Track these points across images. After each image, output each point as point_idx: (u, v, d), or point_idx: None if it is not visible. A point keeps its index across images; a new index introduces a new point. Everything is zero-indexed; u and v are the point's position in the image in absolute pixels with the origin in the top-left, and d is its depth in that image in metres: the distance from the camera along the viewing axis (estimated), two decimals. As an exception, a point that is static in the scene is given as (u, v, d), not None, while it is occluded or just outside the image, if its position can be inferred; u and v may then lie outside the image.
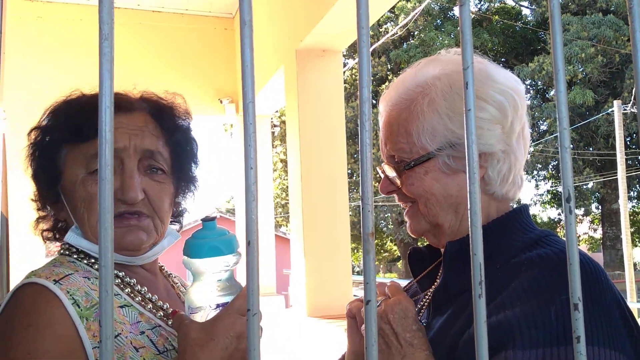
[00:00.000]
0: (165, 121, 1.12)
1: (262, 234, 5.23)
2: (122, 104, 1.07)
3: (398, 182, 1.01)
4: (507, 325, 0.82)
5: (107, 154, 0.43)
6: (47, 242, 1.12)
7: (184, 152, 1.15)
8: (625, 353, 0.80)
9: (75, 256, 1.05)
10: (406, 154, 0.98)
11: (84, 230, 1.03)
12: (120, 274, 1.06)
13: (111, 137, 0.43)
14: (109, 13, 0.45)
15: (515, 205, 1.04)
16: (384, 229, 27.44)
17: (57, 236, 1.11)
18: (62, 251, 1.08)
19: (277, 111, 6.25)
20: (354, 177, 23.87)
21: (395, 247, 31.26)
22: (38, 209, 1.11)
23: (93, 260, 1.04)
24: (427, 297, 1.07)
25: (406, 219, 1.05)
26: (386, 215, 25.96)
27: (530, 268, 0.87)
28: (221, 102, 5.37)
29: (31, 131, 1.10)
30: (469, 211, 0.52)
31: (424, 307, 1.06)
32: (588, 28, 21.62)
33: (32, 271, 0.99)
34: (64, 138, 1.05)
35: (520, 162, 1.00)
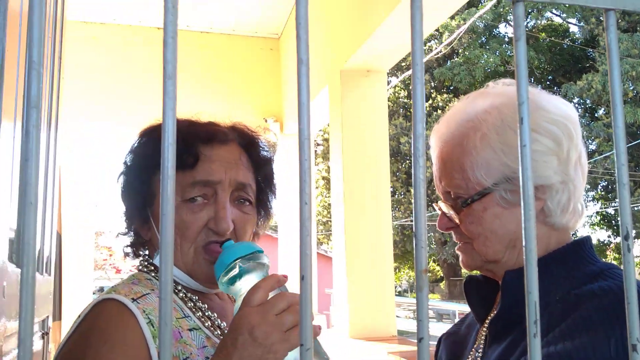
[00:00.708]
0: (255, 154, 1.16)
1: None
2: (218, 135, 1.11)
3: (457, 219, 1.00)
4: (566, 356, 0.80)
5: (169, 190, 0.44)
6: (127, 257, 1.15)
7: (268, 185, 1.19)
8: None
9: (153, 274, 1.08)
10: (462, 190, 0.98)
11: (174, 256, 1.06)
12: (194, 297, 1.08)
13: (173, 173, 0.45)
14: (172, 53, 0.46)
15: (575, 236, 1.02)
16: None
17: (137, 252, 1.15)
18: (141, 267, 1.12)
19: (320, 130, 6.28)
20: (396, 196, 23.69)
21: (438, 268, 30.79)
22: (126, 227, 1.15)
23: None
24: (485, 326, 1.05)
25: (459, 253, 1.03)
26: (429, 235, 25.64)
27: (590, 300, 0.85)
28: (266, 121, 5.44)
29: (127, 154, 1.14)
30: (524, 248, 0.51)
31: (482, 337, 1.04)
32: (639, 45, 21.04)
33: (113, 287, 1.03)
34: (159, 163, 1.08)
35: (580, 191, 0.98)
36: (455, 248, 1.05)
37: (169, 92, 0.46)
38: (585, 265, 0.94)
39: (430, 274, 33.26)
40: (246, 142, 1.15)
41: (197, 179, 1.06)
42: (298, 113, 0.48)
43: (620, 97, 0.55)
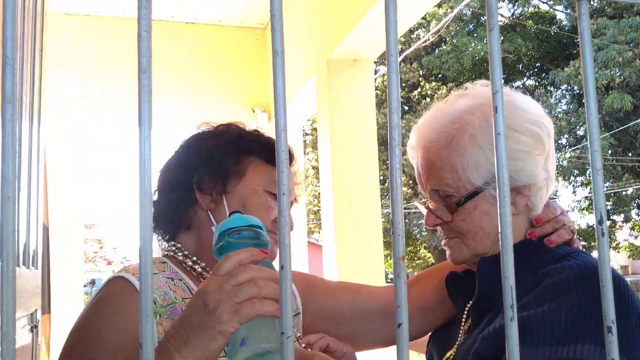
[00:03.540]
0: None
1: (295, 241, 5.25)
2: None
3: (449, 216, 1.03)
4: (521, 324, 0.85)
5: (146, 183, 0.45)
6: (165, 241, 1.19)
7: None
8: None
9: (181, 257, 1.13)
10: (452, 189, 1.01)
11: None
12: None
13: (150, 166, 0.45)
14: (147, 46, 0.46)
15: None
16: (417, 235, 27.16)
17: (167, 237, 1.19)
18: (167, 252, 1.17)
19: (308, 119, 6.26)
20: (386, 184, 23.75)
21: (429, 254, 30.92)
22: (199, 191, 1.16)
23: (191, 263, 1.13)
24: (465, 314, 1.09)
25: (446, 248, 1.07)
26: (420, 222, 25.73)
27: (551, 276, 0.92)
28: (254, 111, 5.43)
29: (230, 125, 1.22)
30: (499, 234, 0.52)
31: (465, 325, 1.09)
32: (625, 32, 21.13)
33: (125, 267, 1.10)
34: (255, 149, 1.17)
35: (553, 183, 1.04)
36: (442, 243, 1.07)
37: (145, 86, 0.46)
38: (553, 250, 1.00)
39: (421, 260, 33.38)
40: None
41: None
42: (274, 105, 0.49)
43: (593, 85, 0.56)
